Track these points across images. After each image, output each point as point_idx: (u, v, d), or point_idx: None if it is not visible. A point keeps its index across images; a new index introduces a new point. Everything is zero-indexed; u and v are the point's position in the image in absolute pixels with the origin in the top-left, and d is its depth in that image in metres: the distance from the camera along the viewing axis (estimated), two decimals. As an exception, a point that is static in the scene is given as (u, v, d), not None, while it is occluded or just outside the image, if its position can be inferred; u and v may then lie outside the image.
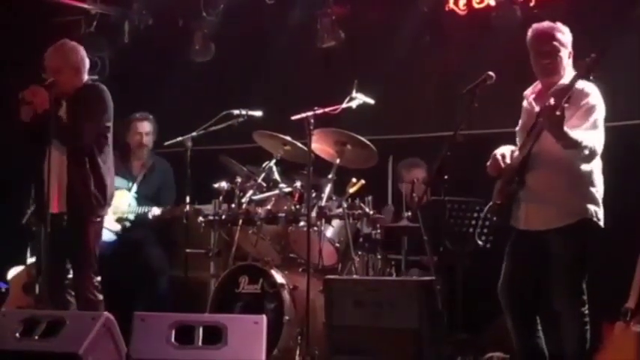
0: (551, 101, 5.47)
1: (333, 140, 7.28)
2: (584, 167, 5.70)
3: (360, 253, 7.22)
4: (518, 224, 5.88)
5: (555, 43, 5.80)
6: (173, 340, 5.24)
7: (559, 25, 5.87)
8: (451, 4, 8.22)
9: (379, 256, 7.34)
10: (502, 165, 5.90)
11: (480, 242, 6.71)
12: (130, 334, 5.29)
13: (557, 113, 5.41)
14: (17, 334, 5.39)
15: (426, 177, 7.87)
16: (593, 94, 5.71)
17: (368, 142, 7.21)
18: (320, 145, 7.30)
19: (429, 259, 7.08)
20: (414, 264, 7.59)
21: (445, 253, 6.69)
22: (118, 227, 8.09)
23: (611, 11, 7.59)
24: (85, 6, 8.97)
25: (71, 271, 6.53)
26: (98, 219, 6.58)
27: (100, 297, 6.46)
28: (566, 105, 5.47)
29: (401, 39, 8.32)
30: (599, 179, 5.79)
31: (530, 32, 5.92)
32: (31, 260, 7.78)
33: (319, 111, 6.89)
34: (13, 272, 7.98)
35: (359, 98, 7.19)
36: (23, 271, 7.90)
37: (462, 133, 6.22)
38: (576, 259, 5.71)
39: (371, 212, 7.25)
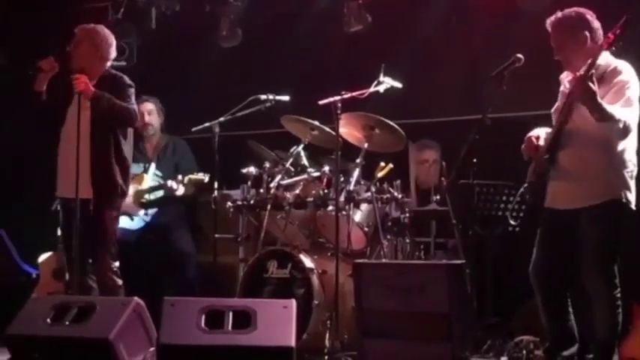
0: (581, 71, 5.49)
1: (360, 124, 7.26)
2: (617, 147, 5.68)
3: (388, 237, 7.22)
4: (547, 203, 5.87)
5: (560, 37, 5.84)
6: (203, 324, 5.26)
7: (569, 13, 5.85)
8: (478, -14, 8.19)
9: (408, 240, 7.34)
10: (536, 147, 5.88)
11: (512, 222, 6.66)
12: (160, 319, 5.31)
13: (589, 82, 5.41)
14: (48, 320, 5.45)
15: (437, 159, 7.87)
16: (625, 71, 5.70)
17: (396, 126, 7.19)
18: (348, 130, 7.29)
19: (458, 242, 7.08)
20: (441, 247, 7.59)
21: (474, 237, 6.67)
22: (141, 212, 8.10)
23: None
24: (113, -9, 9.00)
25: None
26: (118, 206, 6.68)
27: (120, 282, 6.53)
28: (593, 71, 5.44)
29: (428, 22, 8.28)
30: (631, 160, 5.75)
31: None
32: (61, 246, 7.82)
33: (347, 95, 6.87)
34: (42, 258, 8.02)
35: (386, 82, 7.16)
36: (53, 256, 7.93)
37: (490, 117, 6.22)
38: (605, 240, 5.69)
39: (399, 196, 7.24)
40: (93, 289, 6.53)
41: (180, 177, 7.90)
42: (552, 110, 6.01)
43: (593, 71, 5.47)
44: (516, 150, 7.56)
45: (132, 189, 7.63)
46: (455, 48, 8.32)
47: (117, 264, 6.56)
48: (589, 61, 5.57)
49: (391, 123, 7.18)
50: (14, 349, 5.47)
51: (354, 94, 6.96)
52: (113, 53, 6.77)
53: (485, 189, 7.20)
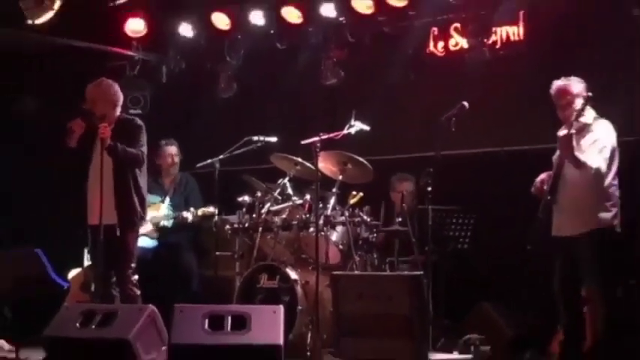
0: (564, 131, 5.72)
1: (336, 160, 7.31)
2: (599, 185, 5.80)
3: (359, 253, 7.23)
4: (554, 232, 5.97)
5: (568, 97, 5.92)
6: (207, 327, 5.27)
7: (572, 80, 5.95)
8: (431, 48, 8.24)
9: (375, 256, 7.36)
10: (542, 189, 6.02)
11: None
12: (171, 322, 5.32)
13: (568, 142, 5.66)
14: (78, 324, 5.45)
15: (414, 190, 7.87)
16: (597, 130, 5.87)
17: (365, 162, 7.23)
18: (325, 165, 7.33)
19: (417, 257, 7.10)
20: (405, 262, 7.59)
21: (430, 253, 6.70)
22: (156, 234, 8.14)
23: (562, 44, 7.55)
24: (130, 53, 9.03)
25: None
26: (138, 229, 6.68)
27: (138, 292, 6.50)
28: (573, 131, 5.67)
29: (390, 76, 8.32)
30: (614, 193, 5.88)
31: (552, 88, 6.01)
32: (87, 263, 7.80)
33: (324, 136, 6.90)
34: (72, 273, 8.02)
35: (357, 125, 7.19)
36: (81, 272, 7.92)
37: (441, 153, 6.28)
38: (595, 258, 5.79)
39: (368, 219, 7.26)
40: (116, 297, 6.52)
41: (193, 210, 7.96)
42: (553, 157, 6.04)
43: (573, 131, 5.68)
44: (463, 180, 7.65)
45: (150, 215, 7.63)
46: (413, 97, 8.36)
47: (136, 277, 6.54)
48: (572, 122, 5.76)
49: (361, 159, 7.23)
50: (50, 349, 5.47)
51: (330, 135, 7.01)
52: (121, 98, 6.76)
53: (439, 213, 7.22)
